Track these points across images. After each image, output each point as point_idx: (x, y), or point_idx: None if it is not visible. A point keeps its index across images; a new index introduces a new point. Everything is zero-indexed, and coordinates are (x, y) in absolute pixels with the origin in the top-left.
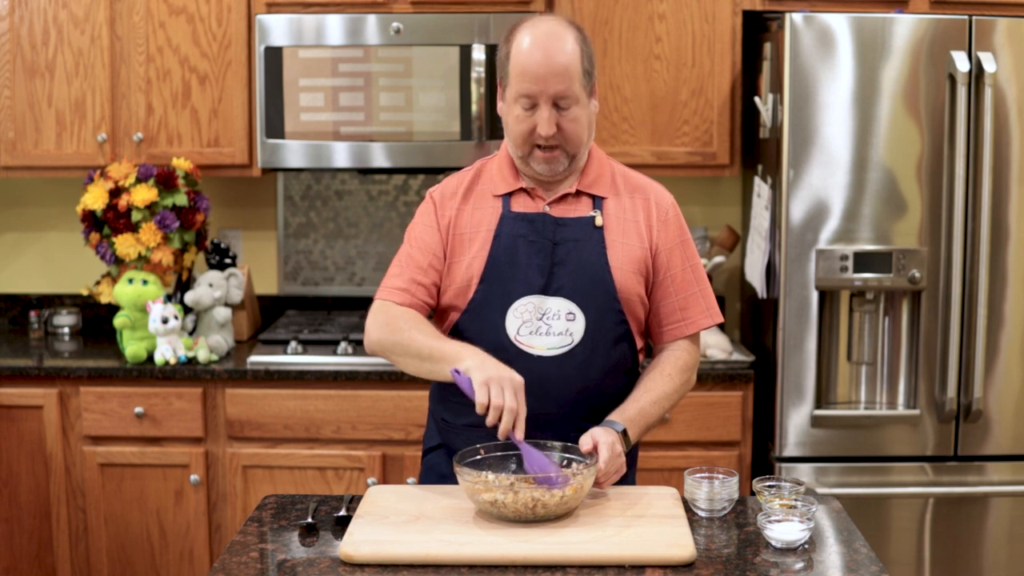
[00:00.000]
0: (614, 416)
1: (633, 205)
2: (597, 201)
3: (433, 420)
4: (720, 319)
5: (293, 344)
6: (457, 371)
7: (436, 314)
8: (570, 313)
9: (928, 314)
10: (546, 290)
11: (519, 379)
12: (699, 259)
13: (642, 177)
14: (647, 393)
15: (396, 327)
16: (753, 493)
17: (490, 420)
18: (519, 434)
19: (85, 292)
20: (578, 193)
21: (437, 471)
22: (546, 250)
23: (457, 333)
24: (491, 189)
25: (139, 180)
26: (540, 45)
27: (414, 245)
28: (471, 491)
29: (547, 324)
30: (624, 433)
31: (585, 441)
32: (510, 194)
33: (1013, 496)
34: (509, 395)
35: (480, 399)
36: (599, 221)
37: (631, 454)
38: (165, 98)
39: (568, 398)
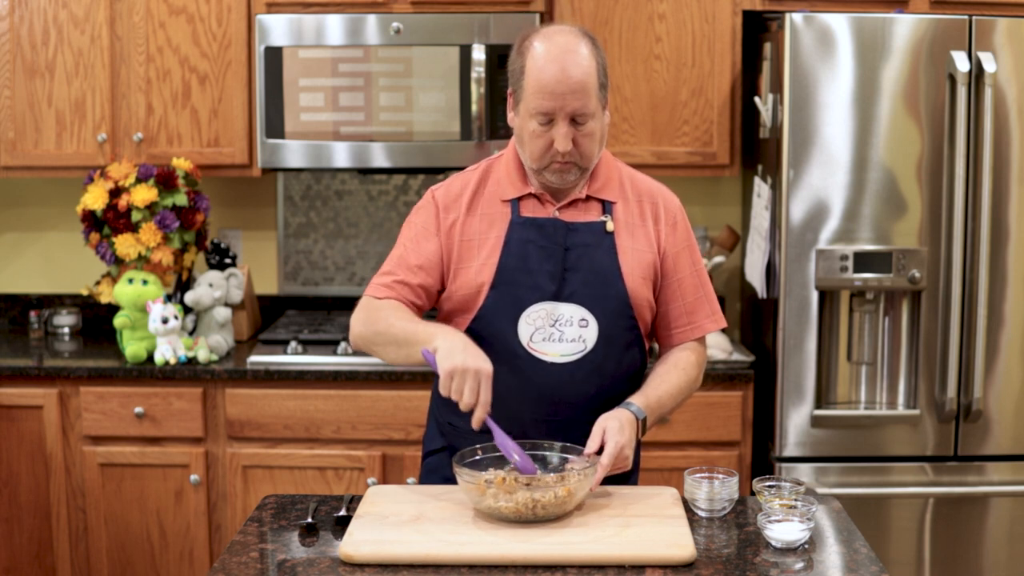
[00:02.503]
0: (636, 400)
1: (641, 209)
2: (607, 206)
3: (436, 423)
4: (724, 323)
5: (293, 344)
6: (427, 351)
7: (445, 319)
8: (583, 319)
9: (928, 314)
10: (558, 296)
11: (485, 369)
12: (703, 263)
13: (650, 180)
14: (664, 384)
15: (375, 318)
16: (753, 493)
17: (461, 408)
18: (480, 419)
19: (85, 292)
20: (587, 198)
21: (440, 474)
22: (557, 255)
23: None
24: (499, 194)
25: (139, 180)
26: (556, 61)
27: (407, 246)
28: (470, 492)
29: (560, 331)
30: (643, 421)
31: (592, 444)
32: (519, 199)
33: (1013, 496)
34: (469, 391)
35: (443, 391)
36: (610, 226)
37: (635, 456)
38: (165, 98)
39: (581, 404)
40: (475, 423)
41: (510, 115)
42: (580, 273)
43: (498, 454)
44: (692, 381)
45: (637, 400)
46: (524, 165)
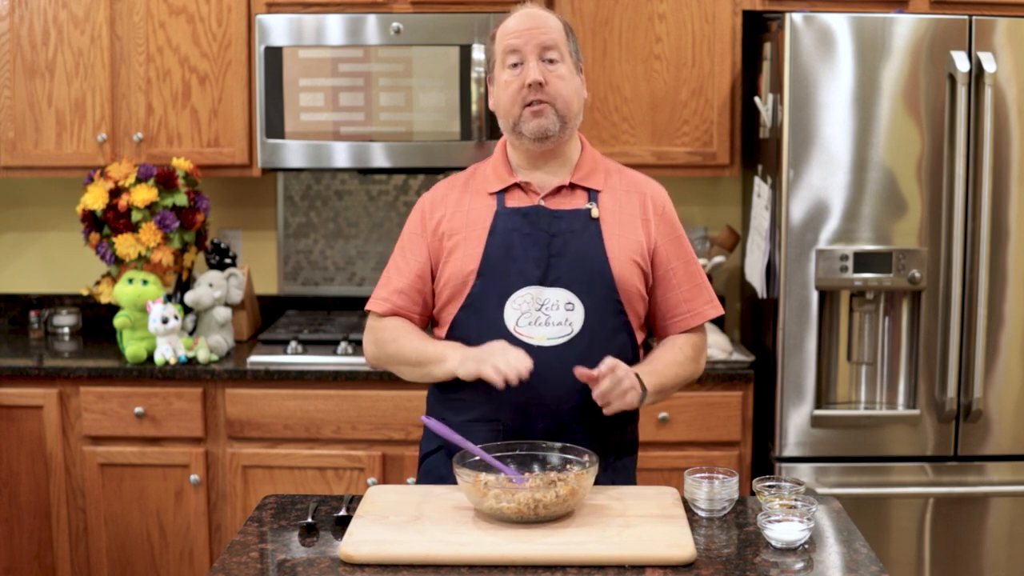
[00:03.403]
0: (646, 379)
1: (629, 200)
2: (592, 194)
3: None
4: (722, 310)
5: (293, 344)
6: (425, 418)
7: (437, 315)
8: (569, 303)
9: (928, 314)
10: (544, 281)
11: (497, 344)
12: (693, 251)
13: (636, 173)
14: (659, 361)
15: (384, 340)
16: (753, 493)
17: (513, 382)
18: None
19: (85, 292)
20: (572, 186)
21: (436, 474)
22: (542, 242)
23: (457, 328)
24: (485, 187)
25: (139, 180)
26: (524, 13)
27: (399, 253)
28: (471, 493)
29: (546, 314)
30: (644, 391)
31: (587, 372)
32: (504, 191)
33: (1013, 496)
34: (503, 362)
35: (498, 382)
36: (595, 212)
37: (632, 454)
38: (165, 98)
39: (569, 388)
40: (521, 374)
41: (491, 101)
42: (565, 258)
43: (499, 455)
44: (692, 363)
45: (647, 379)
46: (509, 153)
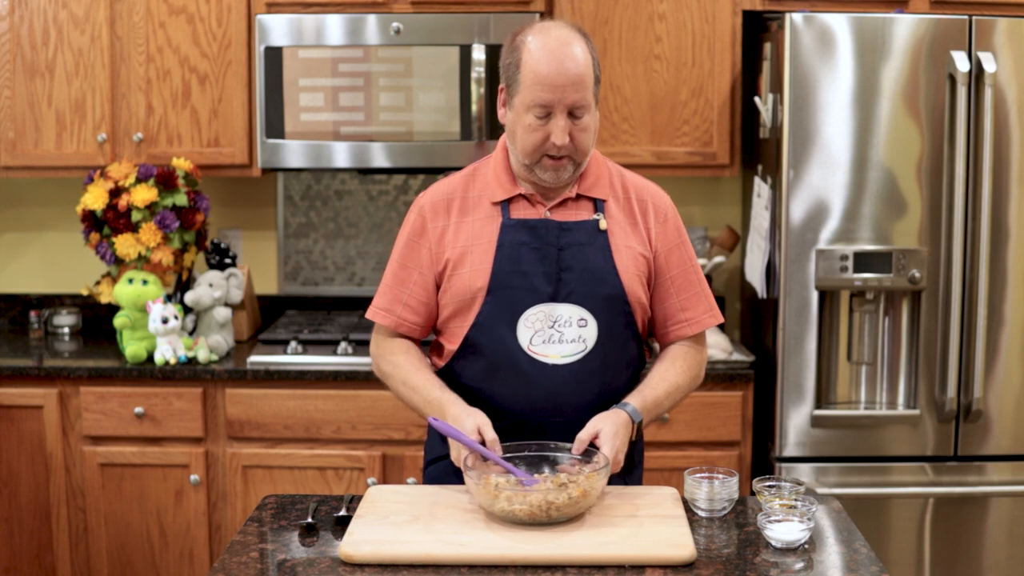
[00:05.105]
0: (633, 400)
1: (631, 207)
2: (598, 204)
3: (438, 432)
4: (721, 319)
5: (293, 344)
6: (433, 419)
7: (441, 326)
8: (581, 319)
9: (928, 314)
10: (555, 297)
11: (481, 420)
12: (697, 260)
13: (639, 178)
14: (663, 383)
15: (385, 373)
16: (753, 493)
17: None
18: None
19: (85, 292)
20: (578, 196)
21: (445, 482)
22: (551, 256)
23: (468, 346)
24: (488, 196)
25: (139, 180)
26: (554, 54)
27: (399, 260)
28: (482, 495)
29: (559, 332)
30: (639, 424)
31: (579, 446)
32: (508, 201)
33: (1013, 496)
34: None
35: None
36: (603, 224)
37: (637, 452)
38: (165, 98)
39: (585, 403)
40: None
41: (501, 111)
42: (575, 272)
43: (509, 455)
44: (692, 379)
45: (634, 400)
46: (513, 165)
